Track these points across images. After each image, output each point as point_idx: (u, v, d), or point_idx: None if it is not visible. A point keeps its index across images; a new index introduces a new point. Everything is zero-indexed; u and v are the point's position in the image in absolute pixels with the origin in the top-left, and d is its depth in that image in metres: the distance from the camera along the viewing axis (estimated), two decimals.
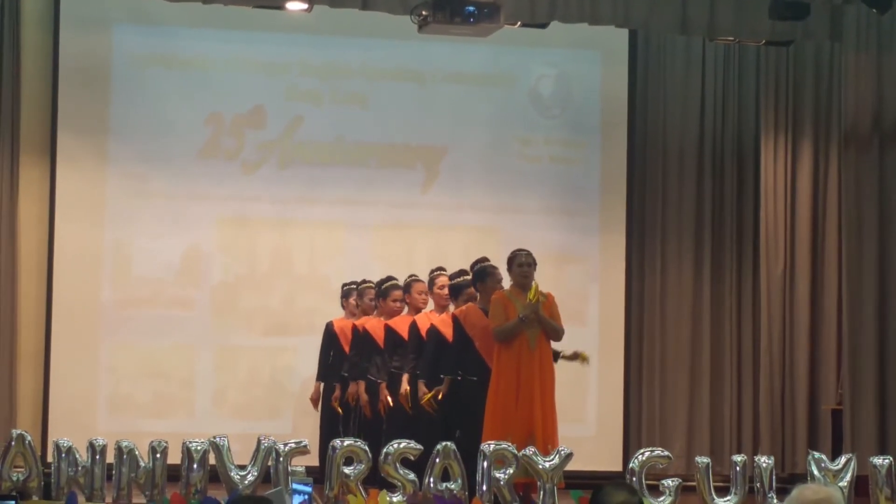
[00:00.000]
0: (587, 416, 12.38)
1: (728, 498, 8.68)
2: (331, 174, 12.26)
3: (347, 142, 12.33)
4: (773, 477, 8.74)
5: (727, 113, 12.74)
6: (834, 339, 12.23)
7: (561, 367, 9.87)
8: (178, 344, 11.98)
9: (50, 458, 8.70)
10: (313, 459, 9.37)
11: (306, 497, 7.57)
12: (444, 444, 8.46)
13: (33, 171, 11.83)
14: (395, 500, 8.20)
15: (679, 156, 12.69)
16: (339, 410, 11.03)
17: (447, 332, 10.03)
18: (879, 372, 11.57)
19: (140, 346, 11.90)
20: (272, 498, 5.49)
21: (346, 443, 8.43)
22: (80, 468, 8.29)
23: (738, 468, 8.70)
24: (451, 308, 10.22)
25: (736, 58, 12.72)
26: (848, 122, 11.72)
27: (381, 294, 10.93)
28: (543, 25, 11.59)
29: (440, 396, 9.89)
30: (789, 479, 11.30)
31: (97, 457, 8.31)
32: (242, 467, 8.32)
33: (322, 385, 11.31)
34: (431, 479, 8.33)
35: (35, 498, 8.25)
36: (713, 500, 8.64)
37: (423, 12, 10.31)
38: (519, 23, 11.25)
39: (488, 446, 8.50)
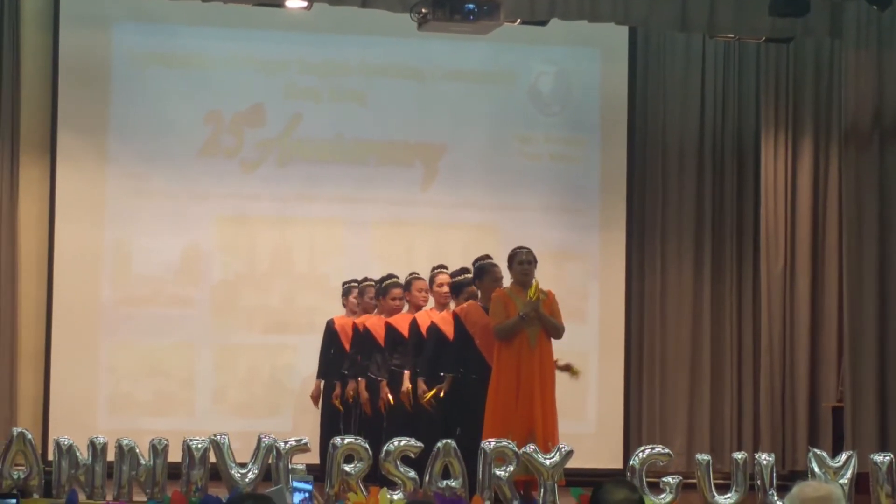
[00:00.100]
0: (587, 414, 12.38)
1: (728, 495, 8.67)
2: (330, 172, 12.26)
3: (347, 139, 12.34)
4: (774, 474, 8.73)
5: (727, 110, 12.74)
6: (834, 337, 12.23)
7: None
8: (178, 342, 11.99)
9: (50, 457, 8.70)
10: (314, 457, 9.36)
11: (307, 495, 7.56)
12: (444, 441, 8.45)
13: (33, 171, 11.84)
14: (395, 497, 8.19)
15: (679, 153, 12.69)
16: (340, 408, 11.03)
17: (448, 329, 10.03)
18: (880, 369, 11.57)
19: (140, 344, 11.90)
20: (273, 496, 5.49)
21: (346, 441, 8.42)
22: (80, 466, 8.28)
23: (738, 465, 8.70)
24: (452, 306, 10.22)
25: (736, 55, 12.72)
26: (848, 119, 11.72)
27: (381, 292, 10.94)
28: (543, 23, 11.59)
29: (442, 394, 9.89)
30: (790, 476, 11.31)
31: (98, 455, 8.30)
32: (243, 465, 8.31)
33: (322, 383, 11.32)
34: (432, 477, 8.33)
35: (36, 496, 8.24)
36: (714, 497, 8.64)
37: (423, 10, 10.31)
38: (518, 20, 11.25)
39: (489, 444, 8.50)
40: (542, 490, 8.45)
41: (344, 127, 12.32)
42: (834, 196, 12.31)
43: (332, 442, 8.46)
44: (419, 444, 8.43)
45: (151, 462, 8.30)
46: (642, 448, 8.86)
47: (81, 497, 8.17)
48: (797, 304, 12.34)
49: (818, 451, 8.83)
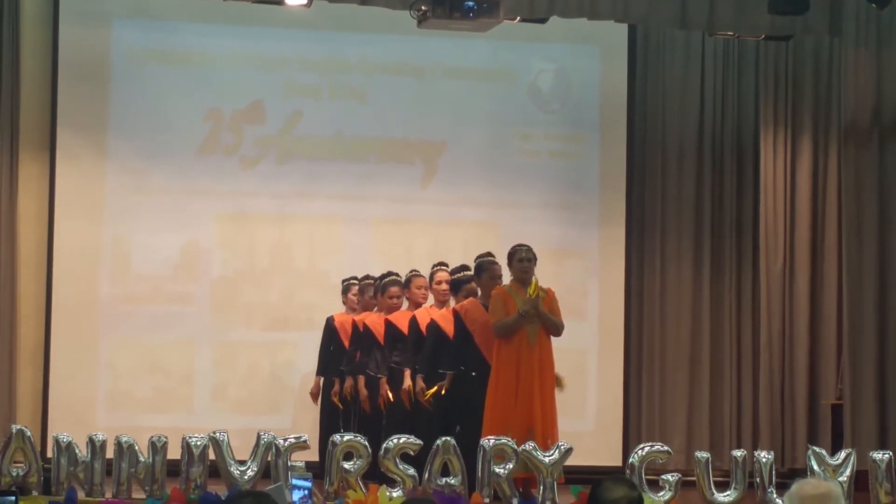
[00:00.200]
0: (587, 411, 12.38)
1: (728, 493, 8.68)
2: (330, 169, 12.26)
3: (346, 137, 12.33)
4: (773, 472, 8.74)
5: (726, 108, 12.73)
6: (834, 334, 12.23)
7: (560, 363, 9.85)
8: (177, 339, 11.99)
9: (49, 454, 8.71)
10: (313, 454, 9.36)
11: (306, 492, 7.57)
12: (443, 439, 8.46)
13: (32, 168, 11.83)
14: (394, 495, 8.20)
15: (678, 151, 12.69)
16: (339, 405, 11.03)
17: (447, 327, 10.03)
18: (879, 367, 11.57)
19: (139, 341, 11.90)
20: (272, 493, 5.49)
21: (345, 438, 8.43)
22: (79, 463, 8.28)
23: (737, 463, 8.70)
24: (452, 303, 10.23)
25: (735, 53, 12.72)
26: (847, 117, 11.71)
27: (379, 290, 10.94)
28: (543, 20, 11.58)
29: (443, 392, 9.89)
30: (789, 473, 11.30)
31: (97, 452, 8.30)
32: (242, 462, 8.32)
33: (322, 380, 11.32)
34: (431, 475, 8.33)
35: (35, 493, 8.24)
36: (713, 494, 8.65)
37: (423, 7, 10.31)
38: (518, 18, 11.25)
39: (488, 441, 8.51)
40: (542, 487, 8.45)
41: (344, 124, 12.32)
42: (833, 194, 12.31)
43: (331, 439, 8.47)
44: (418, 441, 8.44)
45: (151, 459, 8.31)
46: (641, 445, 8.87)
47: (80, 494, 8.17)
48: (796, 302, 12.34)
49: (817, 449, 8.84)
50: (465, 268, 10.27)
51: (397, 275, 10.90)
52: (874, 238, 11.63)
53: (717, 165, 12.73)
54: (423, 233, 12.33)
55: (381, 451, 8.35)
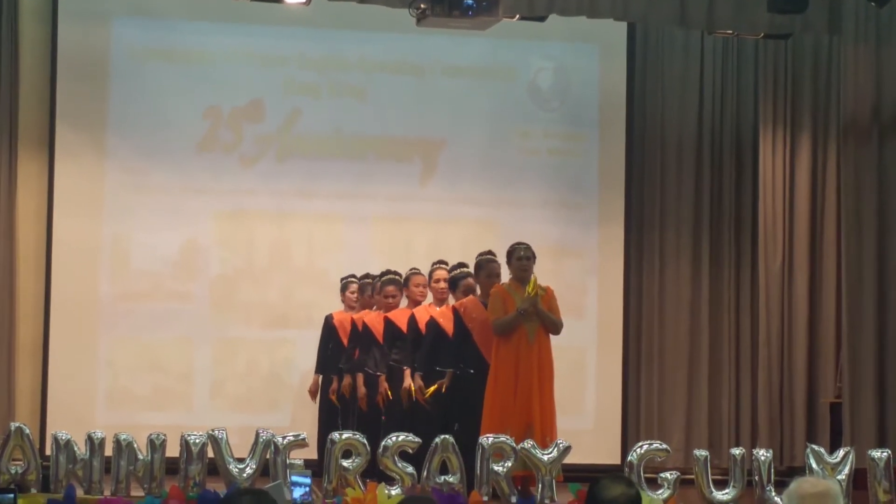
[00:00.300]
0: (585, 409, 12.38)
1: (726, 491, 8.68)
2: (329, 167, 12.25)
3: (345, 135, 12.33)
4: (772, 470, 8.73)
5: (726, 106, 12.73)
6: (833, 333, 12.23)
7: (559, 361, 9.86)
8: (176, 337, 11.99)
9: (48, 451, 8.71)
10: (312, 452, 9.36)
11: (305, 490, 7.58)
12: (442, 437, 8.46)
13: (32, 165, 11.83)
14: (393, 493, 8.20)
15: (677, 149, 12.69)
16: (337, 403, 11.02)
17: (446, 325, 10.03)
18: (878, 365, 11.57)
19: (138, 339, 11.90)
20: (271, 491, 5.49)
21: (344, 436, 8.43)
22: (78, 461, 8.28)
23: (736, 461, 8.70)
24: (451, 301, 10.23)
25: (734, 51, 12.71)
26: (847, 115, 11.71)
27: (377, 288, 10.93)
28: (542, 19, 11.57)
29: (444, 390, 9.88)
30: (788, 472, 11.31)
31: (96, 450, 8.30)
32: (241, 460, 8.32)
33: (320, 378, 11.32)
34: (430, 473, 8.33)
35: (33, 491, 8.23)
36: (711, 492, 8.65)
37: (422, 5, 10.31)
38: (517, 16, 11.24)
39: (487, 439, 8.51)
40: (540, 485, 8.46)
41: (343, 122, 12.32)
42: (832, 191, 12.31)
43: (330, 437, 8.47)
44: (417, 439, 8.44)
45: (149, 457, 8.31)
46: (640, 444, 8.88)
47: (79, 492, 8.17)
48: (795, 300, 12.34)
49: (816, 447, 8.84)
50: (461, 265, 10.27)
51: (396, 273, 10.89)
52: (873, 236, 11.63)
53: (716, 164, 12.73)
54: (422, 231, 12.33)
55: (380, 449, 8.36)
